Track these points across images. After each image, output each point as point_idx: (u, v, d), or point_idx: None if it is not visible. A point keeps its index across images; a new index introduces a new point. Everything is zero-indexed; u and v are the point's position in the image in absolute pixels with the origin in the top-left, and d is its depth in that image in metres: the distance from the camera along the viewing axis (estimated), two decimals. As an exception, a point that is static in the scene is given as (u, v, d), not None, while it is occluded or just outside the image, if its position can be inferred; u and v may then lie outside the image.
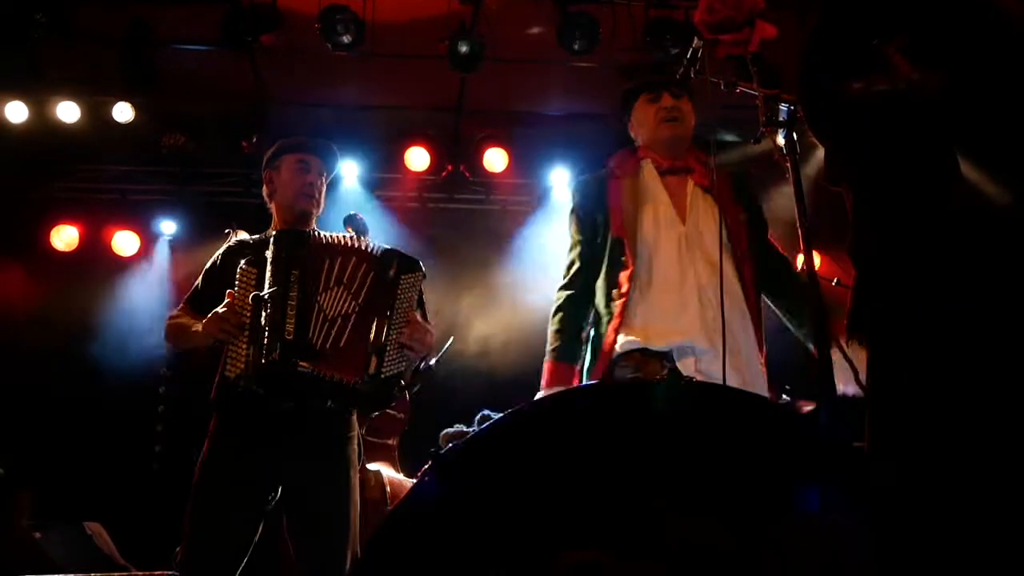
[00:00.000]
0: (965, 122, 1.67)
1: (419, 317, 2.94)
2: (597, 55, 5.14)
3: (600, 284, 2.71)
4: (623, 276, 2.65)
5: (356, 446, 2.91)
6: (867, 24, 1.65)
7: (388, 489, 4.31)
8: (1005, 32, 1.70)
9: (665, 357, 2.51)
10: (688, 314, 2.56)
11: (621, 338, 2.58)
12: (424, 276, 2.98)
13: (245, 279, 2.79)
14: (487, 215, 6.39)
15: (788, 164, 2.01)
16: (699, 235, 2.69)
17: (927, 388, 1.47)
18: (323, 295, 2.78)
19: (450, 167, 6.24)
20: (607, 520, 1.23)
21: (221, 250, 3.03)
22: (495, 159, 6.12)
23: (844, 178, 1.69)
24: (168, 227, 6.50)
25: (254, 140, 5.82)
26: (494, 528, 1.21)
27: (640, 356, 2.53)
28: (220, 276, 2.92)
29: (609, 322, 2.64)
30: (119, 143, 6.01)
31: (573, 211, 2.89)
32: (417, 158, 6.16)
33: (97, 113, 5.74)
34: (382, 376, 2.77)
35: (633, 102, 2.93)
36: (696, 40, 2.38)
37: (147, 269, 6.44)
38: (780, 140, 2.17)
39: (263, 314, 2.72)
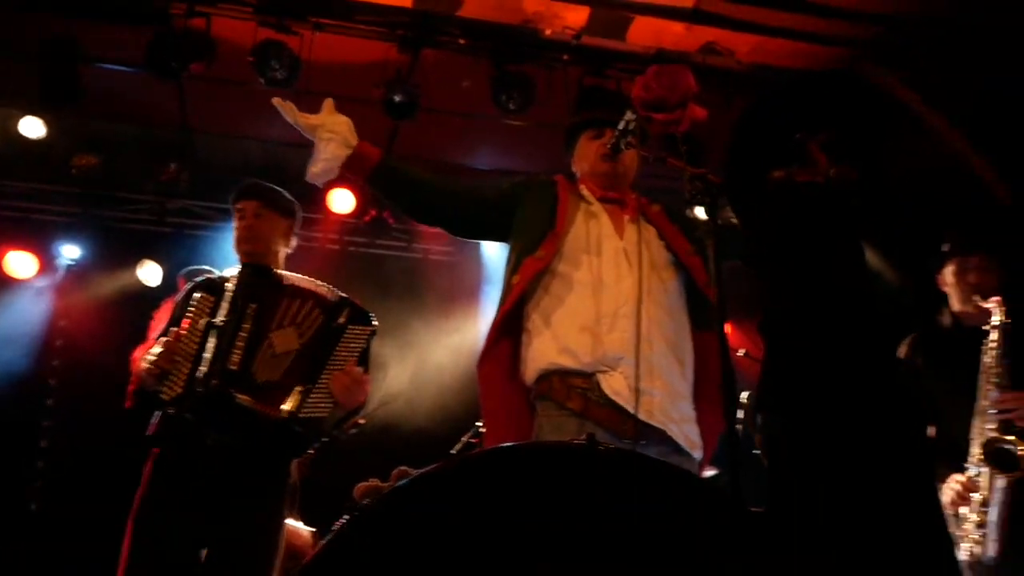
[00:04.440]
0: (875, 215, 1.78)
1: (359, 371, 2.92)
2: (530, 115, 5.24)
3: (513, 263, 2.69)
4: (541, 269, 2.64)
5: (290, 492, 2.87)
6: (792, 119, 1.75)
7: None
8: (919, 137, 1.82)
9: (588, 379, 2.50)
10: (617, 329, 2.53)
11: (538, 354, 2.57)
12: (374, 332, 2.96)
13: (200, 306, 2.79)
14: (407, 264, 6.37)
15: (708, 240, 2.08)
16: (635, 251, 2.62)
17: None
18: (275, 333, 2.78)
19: (374, 212, 6.22)
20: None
21: (188, 286, 3.00)
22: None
23: (759, 258, 1.77)
24: (71, 251, 6.16)
25: (171, 168, 5.70)
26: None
27: (560, 383, 2.53)
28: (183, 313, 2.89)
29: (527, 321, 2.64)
30: (25, 159, 5.75)
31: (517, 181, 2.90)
32: (341, 200, 6.12)
33: (3, 126, 5.49)
34: (299, 416, 2.74)
35: (577, 138, 2.94)
36: (629, 113, 2.46)
37: (40, 293, 6.14)
38: (702, 215, 2.25)
39: (212, 342, 2.70)
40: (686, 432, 2.58)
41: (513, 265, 2.70)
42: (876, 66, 4.61)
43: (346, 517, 1.19)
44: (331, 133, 2.59)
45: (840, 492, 1.57)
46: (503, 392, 2.67)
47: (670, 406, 2.54)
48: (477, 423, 4.27)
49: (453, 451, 3.83)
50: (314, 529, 4.24)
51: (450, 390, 5.05)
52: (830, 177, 1.67)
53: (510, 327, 2.70)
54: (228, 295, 2.81)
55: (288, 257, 3.14)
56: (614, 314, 2.55)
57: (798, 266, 1.71)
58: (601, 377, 2.51)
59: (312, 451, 3.08)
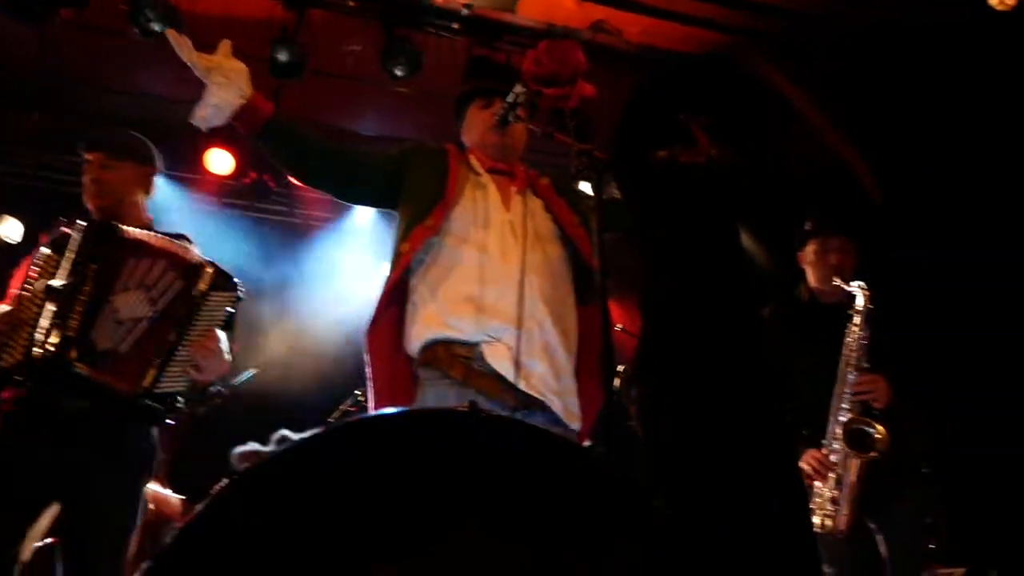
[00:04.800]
0: (751, 195, 1.86)
1: (224, 340, 2.82)
2: (418, 82, 5.18)
3: (401, 227, 2.67)
4: (428, 240, 2.62)
5: (150, 459, 2.77)
6: (677, 101, 1.80)
7: (152, 506, 4.07)
8: (792, 122, 1.91)
9: (471, 348, 2.51)
10: (501, 300, 2.53)
11: (423, 325, 2.57)
12: (239, 298, 2.85)
13: (45, 266, 2.63)
14: (288, 229, 6.22)
15: (592, 215, 2.13)
16: (522, 224, 2.65)
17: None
18: (119, 296, 2.63)
19: (254, 174, 6.03)
20: (411, 543, 1.24)
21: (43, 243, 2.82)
22: (302, 175, 5.98)
23: (640, 234, 1.83)
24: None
25: (34, 119, 5.37)
26: (295, 550, 1.18)
27: (443, 352, 2.54)
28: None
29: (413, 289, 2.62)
30: None
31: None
32: (219, 161, 5.92)
33: None
34: (156, 391, 2.64)
35: (466, 107, 2.92)
36: (519, 86, 2.47)
37: None
38: (588, 190, 2.29)
39: (51, 306, 2.56)
40: (566, 404, 2.63)
41: (403, 233, 2.68)
42: (759, 55, 4.77)
43: (224, 481, 1.17)
44: (225, 78, 2.47)
45: (708, 463, 1.64)
46: (389, 361, 2.65)
47: (551, 378, 2.59)
48: (356, 392, 4.25)
49: (331, 420, 3.80)
50: (184, 497, 4.14)
51: (329, 359, 4.98)
52: (710, 158, 1.73)
53: (398, 296, 2.69)
54: (67, 255, 2.65)
55: (165, 219, 3.00)
56: (498, 287, 2.57)
57: (676, 243, 1.76)
58: (484, 347, 2.53)
59: (174, 422, 2.95)
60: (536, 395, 2.55)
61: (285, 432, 3.48)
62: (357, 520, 1.18)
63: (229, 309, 2.83)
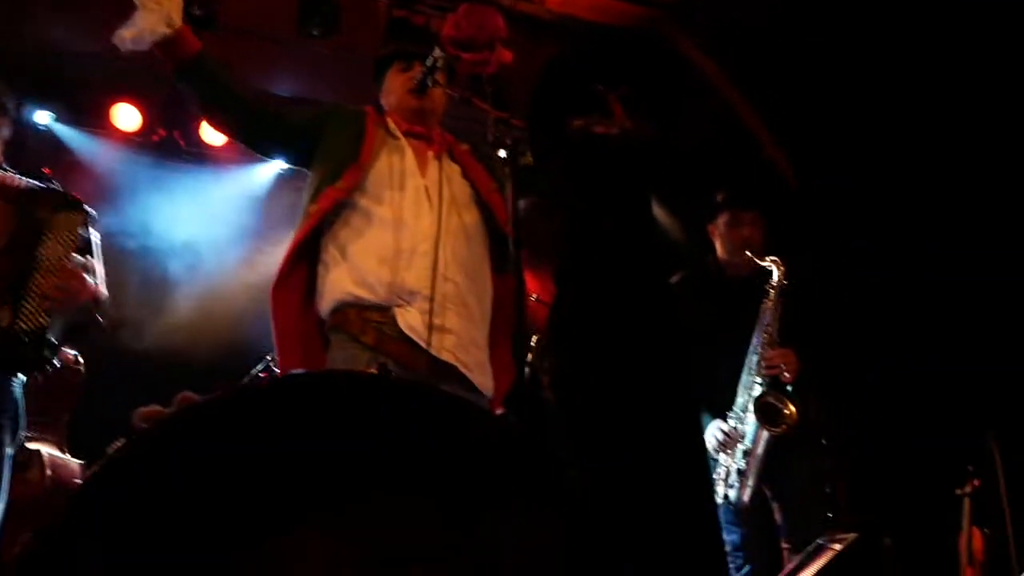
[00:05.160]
0: (664, 168, 1.90)
1: (93, 265, 2.71)
2: (336, 43, 5.08)
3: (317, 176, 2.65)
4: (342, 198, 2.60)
5: (15, 415, 2.65)
6: (595, 71, 1.81)
7: (50, 472, 3.93)
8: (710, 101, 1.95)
9: (384, 313, 2.51)
10: (415, 265, 2.53)
11: (333, 286, 2.55)
12: (88, 219, 2.74)
13: None
14: (199, 189, 6.02)
15: (507, 183, 2.13)
16: (438, 189, 2.64)
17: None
18: None
19: (163, 132, 5.82)
20: (314, 507, 1.23)
21: None
22: (214, 132, 5.80)
23: (554, 203, 1.84)
24: None
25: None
26: (196, 511, 1.17)
27: (355, 316, 2.53)
28: None
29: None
30: None
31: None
32: (126, 116, 5.69)
33: None
34: (16, 331, 2.51)
35: (385, 70, 2.89)
36: (437, 50, 2.45)
37: None
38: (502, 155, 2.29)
39: None
40: (479, 371, 2.65)
41: (312, 193, 2.65)
42: (679, 31, 4.82)
43: (118, 443, 1.14)
44: (157, 4, 2.39)
45: (617, 433, 1.67)
46: (297, 322, 2.63)
47: (464, 344, 2.60)
48: (268, 356, 4.18)
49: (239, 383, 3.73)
50: (83, 461, 4.02)
51: (241, 321, 4.88)
52: (625, 130, 1.75)
53: (306, 256, 2.65)
54: None
55: (68, 176, 2.86)
56: (412, 251, 2.55)
57: (590, 214, 1.78)
58: (397, 312, 2.53)
59: (48, 367, 2.78)
60: (450, 361, 2.56)
61: (188, 393, 3.39)
62: (258, 483, 1.16)
63: (84, 233, 2.71)
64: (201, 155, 5.95)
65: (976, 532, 4.08)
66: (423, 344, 2.46)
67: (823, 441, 4.12)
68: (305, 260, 2.66)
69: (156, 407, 3.56)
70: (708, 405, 3.72)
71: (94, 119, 5.72)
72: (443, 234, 2.55)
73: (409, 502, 1.26)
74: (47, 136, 5.60)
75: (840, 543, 2.06)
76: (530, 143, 1.92)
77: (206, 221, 5.67)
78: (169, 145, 5.84)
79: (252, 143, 2.84)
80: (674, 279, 3.92)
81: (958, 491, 4.20)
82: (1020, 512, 4.17)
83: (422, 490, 1.27)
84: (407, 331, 2.52)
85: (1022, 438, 4.19)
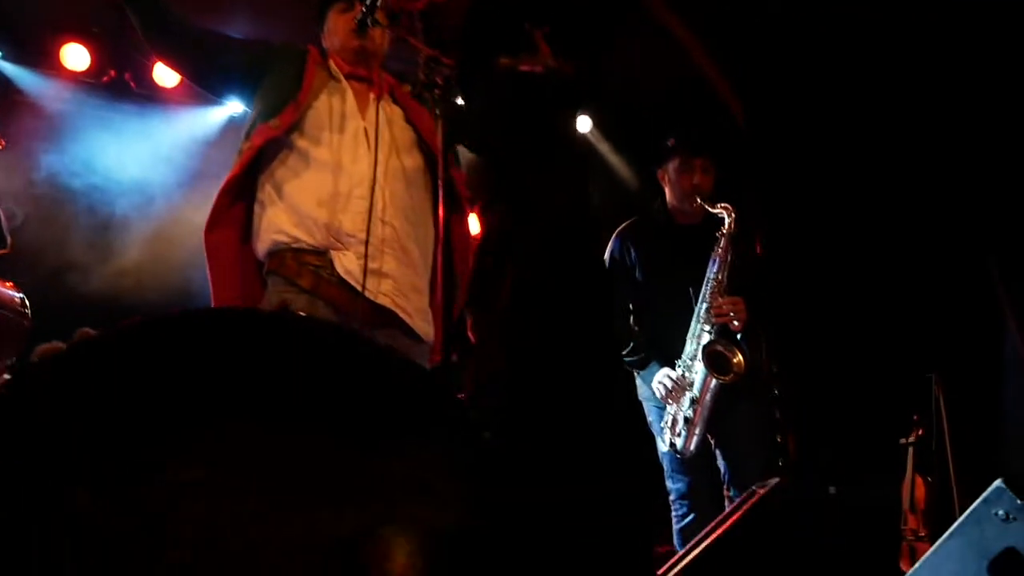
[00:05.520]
0: (592, 107, 1.87)
1: None
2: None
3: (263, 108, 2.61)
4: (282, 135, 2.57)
5: None
6: (522, 9, 1.77)
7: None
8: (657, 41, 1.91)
9: (321, 256, 2.50)
10: (352, 208, 2.52)
11: (270, 227, 2.54)
12: None
13: None
14: (148, 132, 5.89)
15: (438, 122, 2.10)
16: (377, 131, 2.60)
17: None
18: None
19: (113, 73, 5.67)
20: (207, 440, 1.22)
21: None
22: (167, 73, 5.66)
23: (480, 141, 1.81)
24: None
25: None
26: (86, 444, 1.15)
27: (292, 259, 2.51)
28: None
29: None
30: None
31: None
32: (75, 56, 5.53)
33: None
34: None
35: (327, 11, 2.83)
36: (377, -11, 2.39)
37: None
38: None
39: None
40: (418, 317, 2.63)
41: (247, 130, 2.62)
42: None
43: (5, 377, 1.12)
44: None
45: (532, 388, 1.67)
46: (233, 261, 2.61)
47: (403, 290, 2.58)
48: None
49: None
50: None
51: (190, 265, 4.81)
52: (550, 68, 1.72)
53: (243, 196, 2.62)
54: None
55: (14, 115, 2.78)
56: (349, 194, 2.53)
57: (514, 151, 1.75)
58: (334, 255, 2.51)
59: None
60: (387, 306, 2.55)
61: (87, 329, 3.36)
62: (149, 418, 1.15)
63: None
64: (152, 97, 5.81)
65: (919, 480, 4.16)
66: (359, 288, 2.44)
67: (774, 391, 4.16)
68: (242, 200, 2.63)
69: (56, 343, 3.53)
70: (657, 354, 3.72)
71: (42, 58, 5.56)
72: (381, 177, 2.52)
73: (304, 439, 1.25)
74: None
75: (765, 488, 2.08)
76: (459, 82, 1.88)
77: (156, 163, 5.57)
78: (119, 86, 5.70)
79: (196, 75, 2.78)
80: (623, 226, 3.91)
81: (902, 440, 4.27)
82: (963, 460, 4.26)
83: (318, 427, 1.26)
84: (344, 275, 2.50)
85: (967, 382, 4.26)
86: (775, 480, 2.12)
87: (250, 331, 1.24)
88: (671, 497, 3.76)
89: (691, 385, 3.61)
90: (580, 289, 1.71)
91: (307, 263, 2.52)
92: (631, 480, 1.59)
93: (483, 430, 1.39)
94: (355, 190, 2.52)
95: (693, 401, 3.61)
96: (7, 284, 4.21)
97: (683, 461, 3.67)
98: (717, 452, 3.68)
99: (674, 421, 3.66)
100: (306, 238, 2.52)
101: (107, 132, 5.54)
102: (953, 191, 4.19)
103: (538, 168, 1.74)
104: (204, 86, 2.88)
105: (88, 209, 5.27)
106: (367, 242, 2.45)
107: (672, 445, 3.65)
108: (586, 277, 1.73)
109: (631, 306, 3.87)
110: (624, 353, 3.75)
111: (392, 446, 1.30)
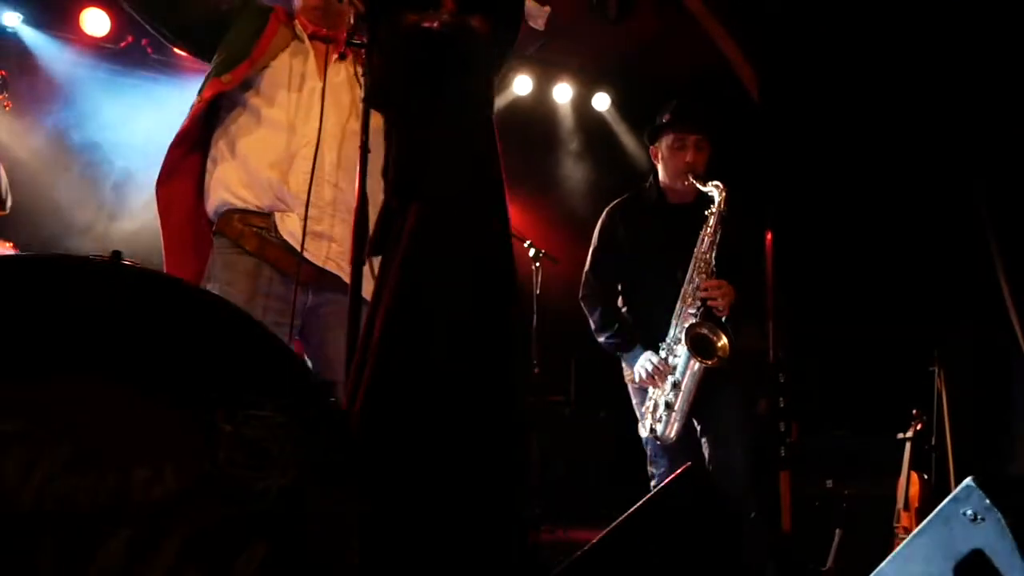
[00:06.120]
0: (497, 65, 1.79)
1: None
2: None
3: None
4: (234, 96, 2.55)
5: None
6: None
7: None
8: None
9: (266, 218, 2.48)
10: (298, 169, 2.49)
11: (220, 186, 2.52)
12: None
13: None
14: (164, 98, 5.94)
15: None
16: (335, 94, 2.59)
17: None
18: None
19: (131, 38, 5.74)
20: (30, 392, 1.19)
21: None
22: (182, 40, 5.70)
23: (385, 102, 1.75)
24: None
25: None
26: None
27: (238, 221, 2.49)
28: None
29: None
30: None
31: None
32: (94, 21, 5.62)
33: None
34: None
35: None
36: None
37: None
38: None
39: None
40: (367, 281, 2.59)
41: (201, 85, 2.59)
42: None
43: None
44: None
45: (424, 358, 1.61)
46: (186, 218, 2.59)
47: (349, 253, 2.54)
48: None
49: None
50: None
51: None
52: (450, 23, 1.65)
53: (196, 148, 2.60)
54: None
55: (34, 83, 2.79)
56: (296, 155, 2.51)
57: (416, 111, 1.69)
58: (278, 217, 2.50)
59: None
60: (332, 270, 2.53)
61: None
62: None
63: None
64: (167, 64, 5.86)
65: (915, 477, 4.01)
66: (298, 248, 2.43)
67: (780, 378, 4.03)
68: (198, 153, 2.61)
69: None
70: (642, 336, 3.63)
71: (63, 23, 5.65)
72: (333, 138, 2.50)
73: (133, 395, 1.21)
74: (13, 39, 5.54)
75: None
76: (368, 42, 1.82)
77: (165, 130, 5.59)
78: (136, 52, 5.76)
79: (167, 31, 2.75)
80: (614, 202, 3.80)
81: (900, 435, 4.11)
82: (963, 458, 4.08)
83: (149, 383, 1.22)
84: (287, 237, 2.48)
85: (974, 377, 4.09)
86: (686, 466, 2.02)
87: (79, 280, 1.20)
88: (652, 483, 3.68)
89: (674, 369, 3.51)
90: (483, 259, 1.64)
91: (252, 225, 2.51)
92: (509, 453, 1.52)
93: (328, 391, 1.34)
94: (302, 151, 2.50)
95: (675, 385, 3.50)
96: (7, 245, 4.29)
97: (665, 447, 3.58)
98: (702, 440, 3.57)
99: (655, 406, 3.57)
100: (252, 199, 2.51)
101: (118, 97, 5.61)
102: (961, 174, 3.99)
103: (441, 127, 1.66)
104: (175, 46, 2.86)
105: (93, 173, 5.34)
106: (307, 204, 2.41)
107: (652, 431, 3.56)
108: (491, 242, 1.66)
109: (619, 287, 3.78)
110: (608, 334, 3.67)
111: (225, 406, 1.25)
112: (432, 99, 1.66)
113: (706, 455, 3.55)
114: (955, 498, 2.34)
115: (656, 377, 3.53)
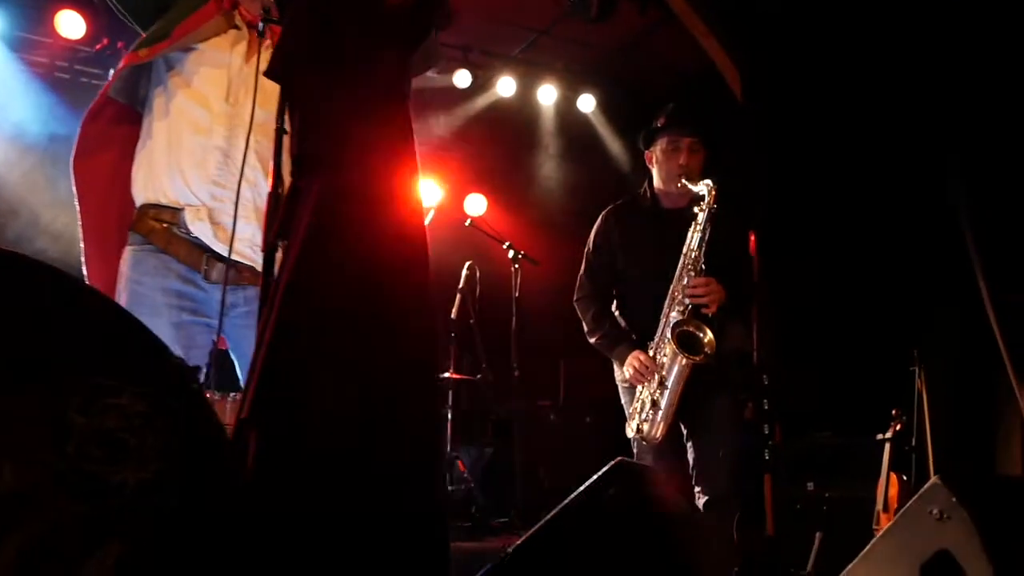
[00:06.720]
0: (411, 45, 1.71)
1: None
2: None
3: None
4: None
5: None
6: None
7: None
8: None
9: (175, 213, 2.43)
10: (213, 161, 2.43)
11: (143, 178, 2.46)
12: None
13: None
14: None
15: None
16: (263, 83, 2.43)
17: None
18: None
19: (107, 40, 5.69)
20: None
21: None
22: (159, 42, 5.64)
23: (284, 73, 1.67)
24: None
25: None
26: None
27: (151, 217, 2.44)
28: None
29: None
30: None
31: None
32: (69, 23, 5.56)
33: None
34: None
35: None
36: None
37: None
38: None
39: None
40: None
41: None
42: None
43: None
44: None
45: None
46: (106, 201, 2.52)
47: (259, 244, 2.47)
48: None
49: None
50: None
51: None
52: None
53: (119, 124, 2.53)
54: None
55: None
56: (206, 145, 2.44)
57: (313, 82, 1.60)
58: (188, 211, 2.43)
59: None
60: (244, 260, 2.47)
61: None
62: None
63: None
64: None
65: (894, 478, 3.89)
66: (209, 244, 2.36)
67: (763, 380, 3.94)
68: (124, 129, 2.53)
69: None
70: (633, 337, 3.56)
71: (38, 27, 5.60)
72: (240, 128, 2.42)
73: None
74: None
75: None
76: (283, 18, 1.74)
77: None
78: (112, 53, 5.70)
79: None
80: (610, 207, 3.76)
81: (879, 436, 4.00)
82: (945, 459, 3.97)
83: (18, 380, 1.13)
84: (195, 231, 2.44)
85: (955, 377, 3.98)
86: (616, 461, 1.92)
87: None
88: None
89: (662, 366, 3.43)
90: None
91: (162, 220, 2.45)
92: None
93: (194, 378, 1.25)
94: (212, 141, 2.42)
95: (662, 383, 3.42)
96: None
97: (652, 448, 3.50)
98: (688, 444, 3.50)
99: (643, 405, 3.49)
100: (165, 192, 2.45)
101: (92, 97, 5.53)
102: (942, 175, 3.89)
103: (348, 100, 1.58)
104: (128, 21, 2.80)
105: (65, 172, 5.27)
106: (237, 200, 2.33)
107: (639, 431, 3.49)
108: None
109: (614, 292, 3.72)
110: (600, 335, 3.62)
111: (79, 394, 1.16)
112: (335, 72, 1.58)
113: (690, 458, 3.47)
114: (921, 496, 2.26)
115: (644, 374, 3.46)
